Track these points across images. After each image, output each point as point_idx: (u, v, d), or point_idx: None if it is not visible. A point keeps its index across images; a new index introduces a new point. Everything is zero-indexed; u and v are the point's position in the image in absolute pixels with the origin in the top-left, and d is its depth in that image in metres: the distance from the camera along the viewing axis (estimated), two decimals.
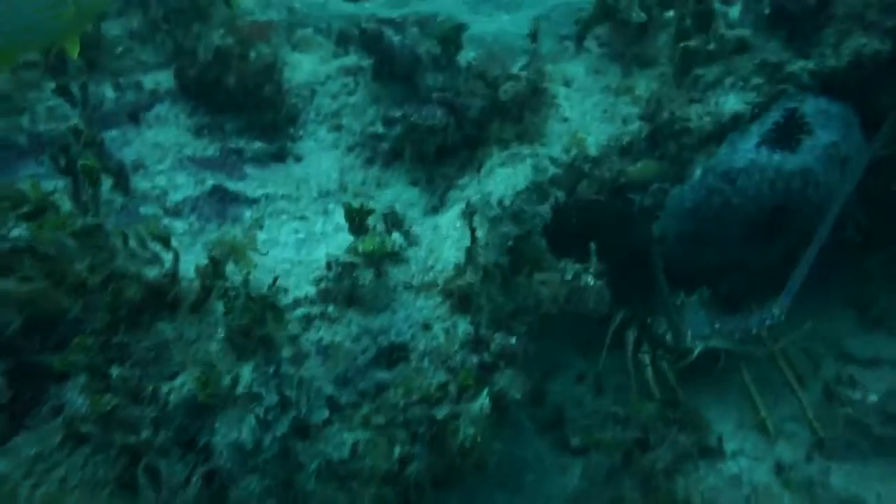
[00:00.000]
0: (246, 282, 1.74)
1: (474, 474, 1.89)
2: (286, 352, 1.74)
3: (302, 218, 3.02)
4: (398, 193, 3.20)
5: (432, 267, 2.19)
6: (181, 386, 1.71)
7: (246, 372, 1.66)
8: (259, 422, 1.62)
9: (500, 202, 2.37)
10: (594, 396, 3.17)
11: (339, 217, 3.02)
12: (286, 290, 2.02)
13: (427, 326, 1.97)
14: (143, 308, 1.84)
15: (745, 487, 2.40)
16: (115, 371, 1.65)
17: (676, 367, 2.79)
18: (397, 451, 1.80)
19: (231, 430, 1.61)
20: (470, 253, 2.07)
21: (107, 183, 2.75)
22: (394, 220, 2.26)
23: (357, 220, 2.11)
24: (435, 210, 3.06)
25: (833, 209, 2.46)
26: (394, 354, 1.92)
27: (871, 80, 2.58)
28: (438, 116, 2.96)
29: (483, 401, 1.81)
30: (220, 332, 1.78)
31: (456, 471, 1.84)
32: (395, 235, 2.22)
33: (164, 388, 1.71)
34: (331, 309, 2.00)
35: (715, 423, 2.90)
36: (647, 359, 2.91)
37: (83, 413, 1.61)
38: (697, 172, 2.62)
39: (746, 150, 2.51)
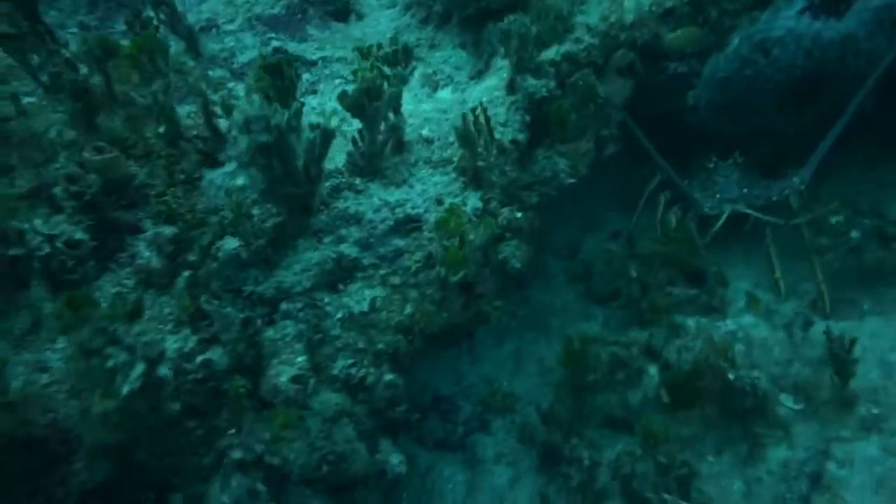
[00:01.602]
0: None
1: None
2: None
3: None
4: (448, 56, 3.19)
5: (452, 143, 2.27)
6: (228, 245, 1.98)
7: None
8: None
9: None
10: (625, 253, 3.26)
11: None
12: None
13: (440, 201, 2.11)
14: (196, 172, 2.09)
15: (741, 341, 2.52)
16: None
17: (708, 231, 2.78)
18: (409, 308, 2.04)
19: None
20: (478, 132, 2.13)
21: (179, 45, 2.93)
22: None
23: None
24: (480, 74, 3.06)
25: (868, 80, 2.27)
26: (409, 225, 2.09)
27: None
28: None
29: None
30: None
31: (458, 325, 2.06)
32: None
33: (216, 244, 1.99)
34: (357, 181, 2.17)
35: (735, 280, 2.97)
36: (673, 218, 2.93)
37: (151, 265, 1.92)
38: (735, 41, 2.46)
39: (787, 18, 2.31)
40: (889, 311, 2.47)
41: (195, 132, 2.27)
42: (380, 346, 2.02)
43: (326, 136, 1.95)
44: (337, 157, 2.23)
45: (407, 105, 2.82)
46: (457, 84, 3.05)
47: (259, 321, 1.90)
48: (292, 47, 3.17)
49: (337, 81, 3.06)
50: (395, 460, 1.95)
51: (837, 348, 2.09)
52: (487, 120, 2.18)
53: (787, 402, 2.23)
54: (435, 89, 3.07)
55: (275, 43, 3.14)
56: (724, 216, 2.67)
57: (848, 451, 2.08)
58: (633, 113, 2.82)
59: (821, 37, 2.27)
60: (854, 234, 2.64)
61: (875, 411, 2.15)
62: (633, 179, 3.29)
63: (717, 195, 2.71)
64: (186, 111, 2.41)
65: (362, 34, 3.35)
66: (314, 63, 3.13)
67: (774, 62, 2.35)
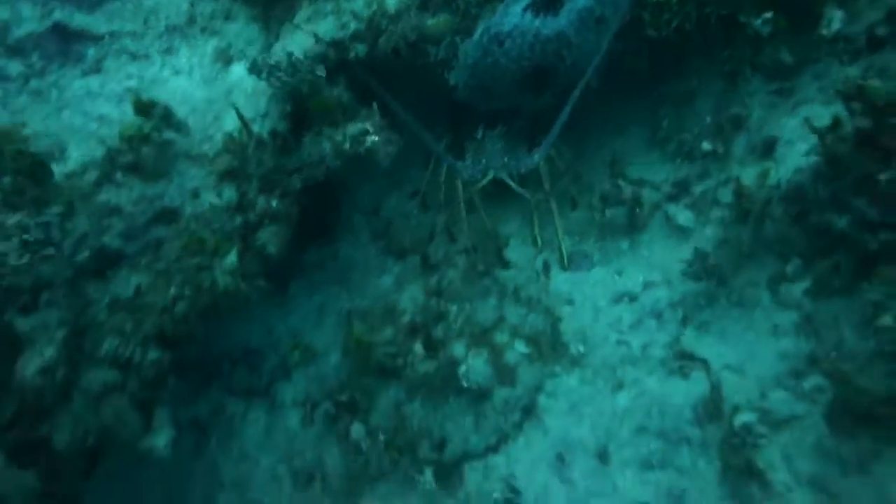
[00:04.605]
0: (15, 156, 1.98)
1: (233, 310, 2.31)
2: (56, 208, 2.04)
3: (145, 57, 3.10)
4: (241, 29, 3.23)
5: (211, 137, 2.40)
6: None
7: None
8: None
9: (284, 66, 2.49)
10: (419, 211, 3.55)
11: (181, 58, 3.14)
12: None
13: (196, 195, 2.26)
14: None
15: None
16: None
17: (472, 190, 3.08)
18: (172, 291, 2.21)
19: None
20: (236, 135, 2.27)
21: None
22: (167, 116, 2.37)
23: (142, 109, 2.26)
24: (270, 49, 3.13)
25: (592, 64, 2.57)
26: (167, 217, 2.24)
27: None
28: None
29: (232, 258, 2.17)
30: None
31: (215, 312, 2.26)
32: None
33: None
34: (118, 175, 2.27)
35: (508, 235, 3.33)
36: (457, 183, 3.20)
37: None
38: (478, 31, 2.68)
39: (514, 15, 2.55)
40: (610, 261, 2.90)
41: None
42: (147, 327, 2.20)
43: None
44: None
45: (188, 88, 2.90)
46: (249, 58, 3.11)
47: None
48: (78, 20, 3.10)
49: (124, 58, 3.05)
50: (161, 443, 2.15)
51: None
52: (243, 119, 2.31)
53: (519, 347, 2.62)
54: (228, 63, 3.13)
55: (57, 15, 3.05)
56: (486, 179, 2.97)
57: (556, 384, 2.51)
58: (417, 86, 3.03)
59: (540, 33, 2.53)
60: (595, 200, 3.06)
61: (581, 349, 2.59)
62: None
63: (484, 161, 3.00)
64: None
65: (156, 3, 3.30)
66: (101, 38, 3.08)
67: (506, 53, 2.60)
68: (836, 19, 2.15)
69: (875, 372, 1.75)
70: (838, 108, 2.00)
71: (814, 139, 2.22)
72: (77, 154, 2.32)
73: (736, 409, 2.07)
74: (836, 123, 1.96)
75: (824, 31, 2.21)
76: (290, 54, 2.40)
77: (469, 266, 3.04)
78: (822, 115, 2.31)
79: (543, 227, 3.15)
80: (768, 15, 2.37)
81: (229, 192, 2.29)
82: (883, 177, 1.77)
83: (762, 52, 2.51)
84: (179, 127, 2.32)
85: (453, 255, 3.14)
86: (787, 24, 2.37)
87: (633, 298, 2.66)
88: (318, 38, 2.50)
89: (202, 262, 2.17)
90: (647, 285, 2.67)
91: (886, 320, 1.74)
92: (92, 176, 2.25)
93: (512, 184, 2.92)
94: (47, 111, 2.63)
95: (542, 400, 2.47)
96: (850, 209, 1.93)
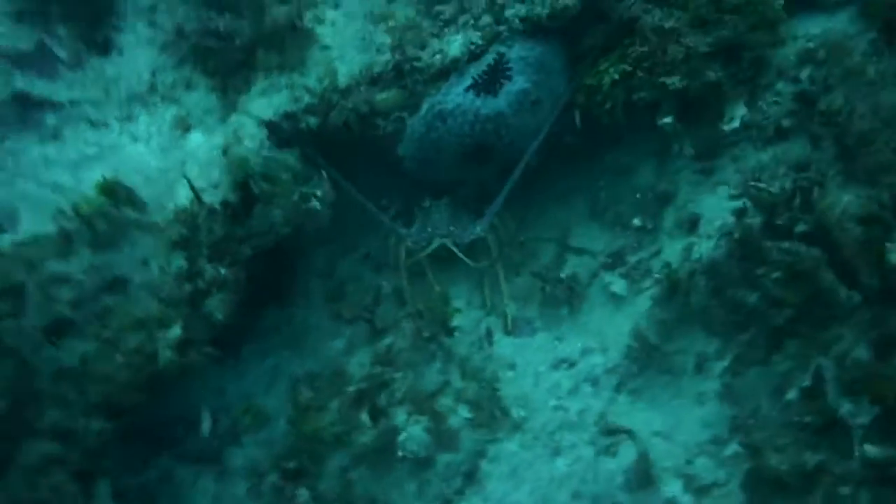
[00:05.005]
0: None
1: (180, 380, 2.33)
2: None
3: (104, 124, 3.17)
4: (200, 98, 3.33)
5: (164, 206, 2.47)
6: None
7: None
8: None
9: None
10: (372, 274, 3.64)
11: (140, 125, 3.22)
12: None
13: (145, 262, 2.31)
14: None
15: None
16: None
17: (417, 257, 3.20)
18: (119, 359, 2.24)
19: None
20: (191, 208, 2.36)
21: None
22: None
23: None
24: (226, 119, 3.24)
25: (531, 147, 2.75)
26: (116, 286, 2.28)
27: (571, 27, 2.75)
28: (214, 41, 3.03)
29: (176, 330, 2.22)
30: None
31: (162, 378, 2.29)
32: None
33: None
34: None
35: (454, 298, 3.42)
36: (402, 250, 3.32)
37: None
38: (424, 108, 2.85)
39: (456, 94, 2.73)
40: (551, 327, 3.01)
41: None
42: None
43: None
44: None
45: (145, 155, 2.97)
46: (206, 126, 3.22)
47: None
48: (40, 88, 3.16)
49: (83, 125, 3.11)
50: None
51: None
52: (194, 190, 2.40)
53: (463, 412, 2.68)
54: (187, 131, 3.22)
55: (18, 83, 3.10)
56: (431, 247, 3.08)
57: (497, 449, 2.58)
58: (368, 156, 3.17)
59: (480, 112, 2.71)
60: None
61: (522, 414, 2.67)
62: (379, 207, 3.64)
63: (430, 229, 3.13)
64: None
65: (118, 73, 3.39)
66: (61, 105, 3.14)
67: (450, 130, 2.77)
68: (737, 118, 2.36)
69: (783, 441, 1.87)
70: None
71: (730, 220, 2.39)
72: (29, 223, 2.36)
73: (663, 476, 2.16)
74: (742, 212, 2.12)
75: (725, 128, 2.41)
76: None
77: (415, 331, 3.12)
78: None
79: (492, 292, 3.26)
80: (668, 119, 2.57)
81: (178, 261, 2.35)
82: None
83: (670, 145, 2.71)
84: (138, 203, 2.38)
85: (401, 320, 3.23)
86: (690, 123, 2.56)
87: (571, 364, 2.76)
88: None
89: (147, 333, 2.21)
90: (585, 352, 2.77)
91: (792, 394, 1.86)
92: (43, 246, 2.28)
93: (457, 251, 3.03)
94: (1, 180, 2.67)
95: (483, 465, 2.52)
96: (759, 286, 2.08)
